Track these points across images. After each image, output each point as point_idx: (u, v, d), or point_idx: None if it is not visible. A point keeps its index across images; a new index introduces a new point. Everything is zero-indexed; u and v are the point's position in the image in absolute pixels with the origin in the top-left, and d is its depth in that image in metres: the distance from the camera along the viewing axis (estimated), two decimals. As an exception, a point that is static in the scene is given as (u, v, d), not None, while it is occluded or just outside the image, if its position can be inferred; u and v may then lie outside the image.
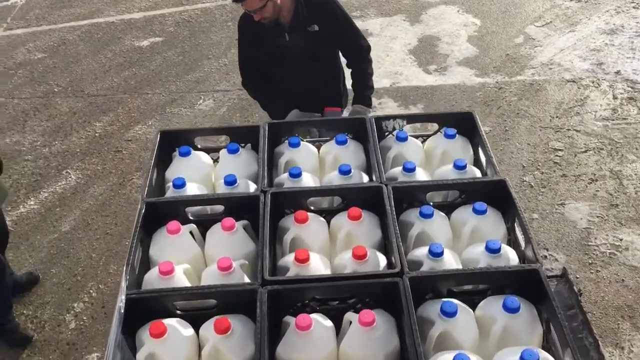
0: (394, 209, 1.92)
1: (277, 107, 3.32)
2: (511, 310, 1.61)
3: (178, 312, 1.75)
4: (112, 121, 5.46)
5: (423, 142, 2.43)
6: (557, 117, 5.16)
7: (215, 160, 2.42)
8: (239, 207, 2.02)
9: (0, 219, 3.50)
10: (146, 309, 1.71)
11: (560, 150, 4.81)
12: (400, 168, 2.14)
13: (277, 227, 2.03)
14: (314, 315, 1.67)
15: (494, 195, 2.02)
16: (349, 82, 3.46)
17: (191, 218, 2.05)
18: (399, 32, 6.46)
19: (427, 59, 6.03)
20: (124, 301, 1.64)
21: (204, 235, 2.04)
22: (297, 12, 3.06)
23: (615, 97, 5.29)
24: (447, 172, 2.16)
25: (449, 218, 2.06)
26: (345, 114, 3.29)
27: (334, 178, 2.14)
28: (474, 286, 1.77)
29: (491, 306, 1.69)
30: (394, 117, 2.35)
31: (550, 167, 4.66)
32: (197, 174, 2.25)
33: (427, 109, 5.32)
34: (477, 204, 1.94)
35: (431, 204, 2.06)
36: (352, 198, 2.04)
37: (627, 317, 3.57)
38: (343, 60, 3.45)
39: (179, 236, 1.92)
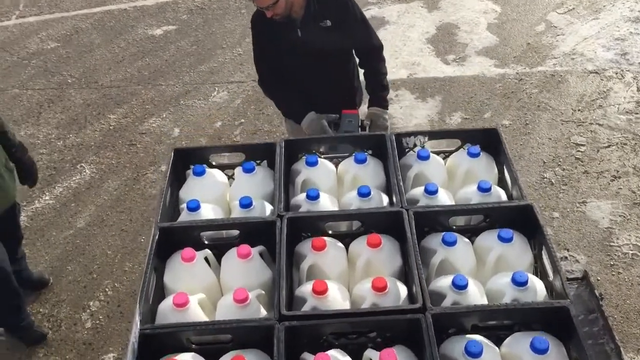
0: (415, 236, 1.85)
1: (292, 106, 3.27)
2: (540, 351, 1.55)
3: (193, 346, 1.71)
4: (126, 113, 5.42)
5: (445, 158, 2.35)
6: (579, 110, 5.03)
7: (231, 177, 2.36)
8: (255, 232, 1.96)
9: (9, 219, 3.47)
10: (160, 344, 1.67)
11: (582, 145, 4.70)
12: (421, 189, 2.07)
13: (294, 252, 1.97)
14: (332, 352, 1.62)
15: (520, 220, 1.95)
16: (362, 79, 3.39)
17: (206, 242, 2.00)
18: (417, 20, 6.32)
19: (445, 48, 5.90)
20: (137, 337, 1.60)
21: (219, 259, 1.99)
22: (309, 7, 3.00)
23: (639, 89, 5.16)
24: (470, 193, 2.08)
25: (472, 242, 1.99)
26: (361, 116, 3.21)
27: (352, 200, 2.07)
28: (499, 321, 1.71)
29: (518, 345, 1.62)
30: (415, 134, 2.27)
31: (572, 164, 4.55)
32: (211, 193, 2.20)
33: (444, 102, 5.22)
34: (502, 231, 1.87)
35: (454, 227, 1.99)
36: (372, 222, 1.97)
37: (649, 322, 3.51)
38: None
39: (194, 264, 1.87)
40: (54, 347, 3.62)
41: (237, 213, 2.06)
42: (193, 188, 2.21)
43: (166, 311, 1.77)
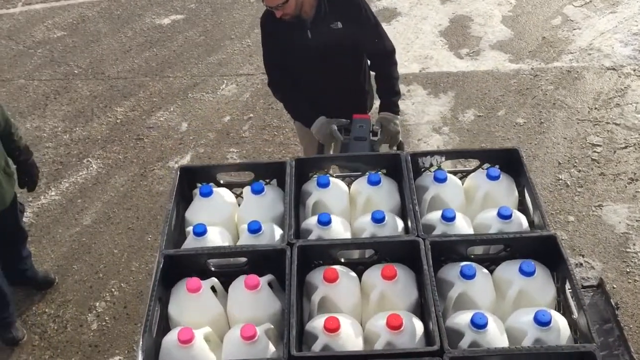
0: (432, 268, 1.77)
1: (302, 110, 3.20)
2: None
3: (200, 383, 1.65)
4: (133, 106, 5.33)
5: (463, 177, 2.26)
6: (595, 108, 4.91)
7: (239, 196, 2.28)
8: (264, 260, 1.89)
9: (8, 221, 3.42)
10: (166, 382, 1.61)
11: (598, 145, 4.59)
12: (438, 214, 1.98)
13: (305, 281, 1.90)
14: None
15: (542, 251, 1.86)
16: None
17: (213, 269, 1.93)
18: (430, 12, 6.18)
19: (458, 41, 5.77)
20: (142, 376, 1.54)
21: (227, 285, 1.91)
22: (320, 8, 2.91)
23: (658, 88, 5.03)
24: (490, 220, 1.99)
25: (491, 271, 1.91)
26: (372, 120, 3.12)
27: (366, 225, 1.99)
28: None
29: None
30: (432, 153, 2.17)
31: (588, 165, 4.45)
32: (219, 215, 2.12)
33: (457, 98, 5.11)
34: (524, 263, 1.79)
35: (472, 256, 1.91)
36: (386, 251, 1.90)
37: (667, 334, 3.43)
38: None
39: (200, 295, 1.80)
40: (59, 348, 3.58)
41: (246, 238, 1.98)
42: (200, 209, 2.13)
43: (170, 347, 1.70)
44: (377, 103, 3.30)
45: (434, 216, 2.02)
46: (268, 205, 2.12)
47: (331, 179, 2.18)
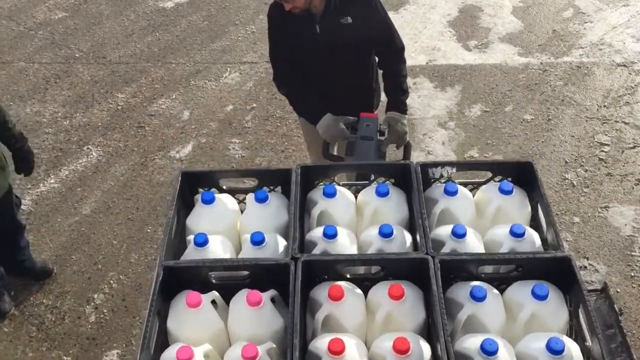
0: (441, 288, 1.72)
1: (308, 107, 3.13)
2: None
3: (199, 405, 1.60)
4: (135, 92, 5.25)
5: (473, 189, 2.19)
6: (604, 106, 4.83)
7: (242, 202, 2.21)
8: (267, 274, 1.83)
9: (5, 211, 3.37)
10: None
11: (606, 145, 4.52)
12: (448, 230, 1.92)
13: (309, 297, 1.84)
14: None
15: (556, 272, 1.81)
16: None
17: (214, 282, 1.87)
18: (439, 1, 6.07)
19: (467, 32, 5.67)
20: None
21: (229, 298, 1.86)
22: (329, 2, 2.82)
23: (669, 86, 4.95)
24: (501, 237, 1.93)
25: (501, 289, 1.85)
26: (380, 119, 3.05)
27: (373, 239, 1.93)
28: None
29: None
30: (442, 164, 2.10)
31: (595, 165, 4.38)
32: (221, 223, 2.06)
33: (464, 92, 5.02)
34: (537, 286, 1.73)
35: (482, 275, 1.85)
36: (394, 268, 1.84)
37: (670, 341, 3.40)
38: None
39: (200, 310, 1.74)
40: (57, 340, 3.55)
41: (248, 250, 1.92)
42: (201, 217, 2.07)
43: (169, 364, 1.65)
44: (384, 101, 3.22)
45: (444, 231, 1.96)
46: (272, 214, 2.06)
47: (338, 188, 2.11)
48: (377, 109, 3.34)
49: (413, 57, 5.30)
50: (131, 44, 5.80)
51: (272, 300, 1.82)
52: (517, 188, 2.10)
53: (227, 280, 1.89)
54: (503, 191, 2.05)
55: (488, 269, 1.89)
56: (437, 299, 1.70)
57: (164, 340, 1.80)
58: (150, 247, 4.02)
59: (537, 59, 5.31)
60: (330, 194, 2.05)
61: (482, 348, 1.60)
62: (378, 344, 1.70)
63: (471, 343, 1.66)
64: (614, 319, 2.99)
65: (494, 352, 1.60)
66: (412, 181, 2.04)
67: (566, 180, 4.29)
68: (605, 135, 4.60)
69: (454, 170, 2.13)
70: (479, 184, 2.20)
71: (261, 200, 2.05)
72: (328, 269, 1.85)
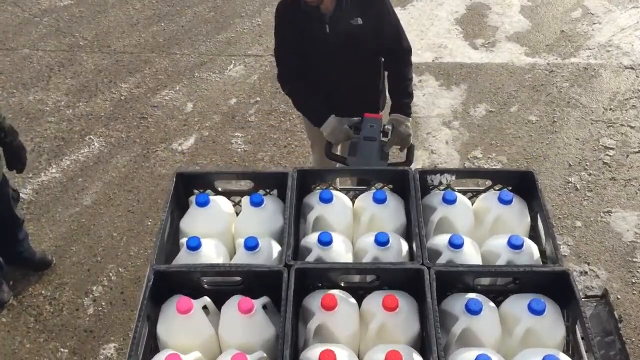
0: (435, 300, 1.70)
1: (312, 108, 3.10)
2: None
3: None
4: (139, 83, 5.23)
5: (472, 197, 2.17)
6: (610, 109, 4.79)
7: (237, 204, 2.20)
8: (260, 281, 1.82)
9: (1, 203, 3.36)
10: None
11: (611, 148, 4.48)
12: (445, 239, 1.90)
13: (302, 305, 1.83)
14: None
15: (554, 287, 1.79)
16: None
17: (206, 287, 1.86)
18: (447, -3, 6.02)
19: (474, 30, 5.62)
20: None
21: (221, 304, 1.84)
22: (340, 2, 2.79)
23: (677, 90, 4.90)
24: (499, 248, 1.91)
25: (498, 302, 1.83)
26: (384, 120, 3.03)
27: (369, 246, 1.91)
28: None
29: None
30: (442, 172, 2.08)
31: (599, 168, 4.35)
32: (215, 227, 2.04)
33: (470, 91, 4.99)
34: (534, 301, 1.70)
35: (478, 287, 1.83)
36: (389, 278, 1.82)
37: (669, 349, 3.38)
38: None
39: (190, 316, 1.72)
40: (54, 332, 3.55)
41: (241, 255, 1.91)
42: (195, 219, 2.06)
43: (158, 371, 1.65)
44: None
45: (441, 241, 1.94)
46: (267, 218, 2.04)
47: (334, 193, 2.09)
48: (382, 110, 3.32)
49: (419, 55, 5.26)
50: (136, 33, 5.78)
51: (264, 307, 1.80)
52: (517, 198, 2.08)
53: (220, 286, 1.88)
54: (502, 201, 2.02)
55: (485, 280, 1.87)
56: (431, 312, 1.68)
57: (154, 345, 1.79)
58: (150, 240, 4.01)
59: (544, 60, 5.26)
60: (327, 199, 2.03)
61: (476, 363, 1.59)
62: (371, 355, 1.69)
63: (465, 357, 1.65)
64: (613, 326, 2.97)
65: (487, 367, 1.58)
66: (410, 189, 2.02)
67: (569, 184, 4.26)
68: (611, 138, 4.56)
69: (454, 177, 2.11)
70: (479, 192, 2.18)
71: (256, 204, 2.03)
72: (322, 277, 1.84)
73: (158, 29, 5.82)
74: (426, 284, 1.74)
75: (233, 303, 1.77)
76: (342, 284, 1.88)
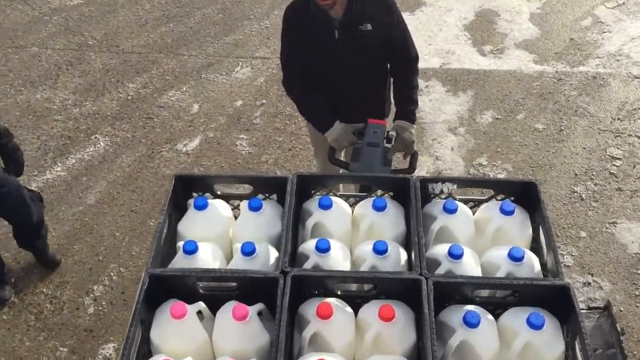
0: (433, 312, 1.68)
1: (318, 114, 3.08)
2: None
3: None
4: (146, 83, 5.24)
5: (474, 207, 2.15)
6: (618, 119, 4.75)
7: (236, 207, 2.19)
8: (255, 287, 1.80)
9: (19, 207, 3.38)
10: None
11: (618, 159, 4.45)
12: (444, 249, 1.88)
13: (297, 312, 1.82)
14: None
15: (553, 301, 1.76)
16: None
17: (201, 292, 1.85)
18: (455, 3, 5.99)
19: (482, 37, 5.59)
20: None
21: (216, 309, 1.83)
22: (350, 8, 2.77)
23: (686, 101, 4.86)
24: (499, 260, 1.88)
25: (496, 314, 1.81)
26: (388, 127, 3.01)
27: (367, 254, 1.89)
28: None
29: None
30: (443, 180, 2.06)
31: (605, 179, 4.31)
32: (213, 230, 2.03)
33: (477, 97, 4.96)
34: (533, 315, 1.68)
35: (477, 299, 1.81)
36: (386, 287, 1.81)
37: (672, 364, 3.34)
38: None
39: (184, 322, 1.71)
40: (54, 331, 3.55)
41: (238, 260, 1.90)
42: (193, 223, 2.05)
43: (149, 379, 1.64)
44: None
45: (440, 250, 1.92)
46: (265, 223, 2.03)
47: (334, 199, 2.08)
48: (387, 117, 3.30)
49: (427, 60, 5.24)
50: (144, 33, 5.79)
51: (260, 313, 1.79)
52: (519, 208, 2.06)
53: (215, 291, 1.87)
54: (504, 211, 2.00)
55: (484, 292, 1.85)
56: (427, 323, 1.66)
57: (147, 350, 1.78)
58: (152, 240, 4.01)
59: (552, 67, 5.22)
60: (326, 206, 2.02)
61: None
62: (368, 363, 1.67)
63: (461, 370, 1.63)
64: (615, 339, 2.93)
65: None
66: (411, 197, 2.00)
67: (575, 194, 4.22)
68: (618, 148, 4.52)
69: (455, 186, 2.09)
70: (480, 202, 2.16)
71: (255, 208, 2.02)
72: (319, 285, 1.82)
73: (166, 29, 5.84)
74: (423, 295, 1.73)
75: (228, 309, 1.76)
76: (339, 292, 1.86)
